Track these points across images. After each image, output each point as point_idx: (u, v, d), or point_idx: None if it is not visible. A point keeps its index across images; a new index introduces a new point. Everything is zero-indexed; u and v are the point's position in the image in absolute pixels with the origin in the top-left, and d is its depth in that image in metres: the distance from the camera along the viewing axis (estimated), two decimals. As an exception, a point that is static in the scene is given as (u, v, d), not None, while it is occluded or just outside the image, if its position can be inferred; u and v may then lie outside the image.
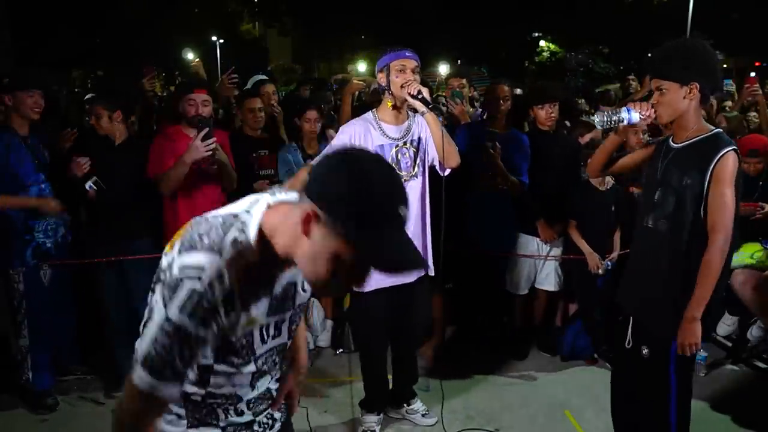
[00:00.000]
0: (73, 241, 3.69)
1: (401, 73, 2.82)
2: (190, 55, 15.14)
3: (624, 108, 2.47)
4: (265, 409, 1.59)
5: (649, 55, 2.52)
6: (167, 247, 1.29)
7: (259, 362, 1.47)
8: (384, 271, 1.22)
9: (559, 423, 3.45)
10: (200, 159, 3.38)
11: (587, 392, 3.65)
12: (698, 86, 2.31)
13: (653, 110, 2.40)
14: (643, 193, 2.61)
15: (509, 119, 4.12)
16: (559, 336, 4.23)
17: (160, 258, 1.28)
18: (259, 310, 1.35)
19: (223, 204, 1.58)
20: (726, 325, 4.35)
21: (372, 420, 3.30)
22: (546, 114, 4.02)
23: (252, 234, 1.26)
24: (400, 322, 3.18)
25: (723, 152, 2.27)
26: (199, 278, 1.21)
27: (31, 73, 3.60)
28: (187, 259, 1.22)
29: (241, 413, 1.52)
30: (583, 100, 5.30)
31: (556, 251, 4.18)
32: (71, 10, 15.94)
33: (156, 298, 1.25)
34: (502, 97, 3.98)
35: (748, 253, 3.89)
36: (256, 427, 1.58)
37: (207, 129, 3.31)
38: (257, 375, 1.49)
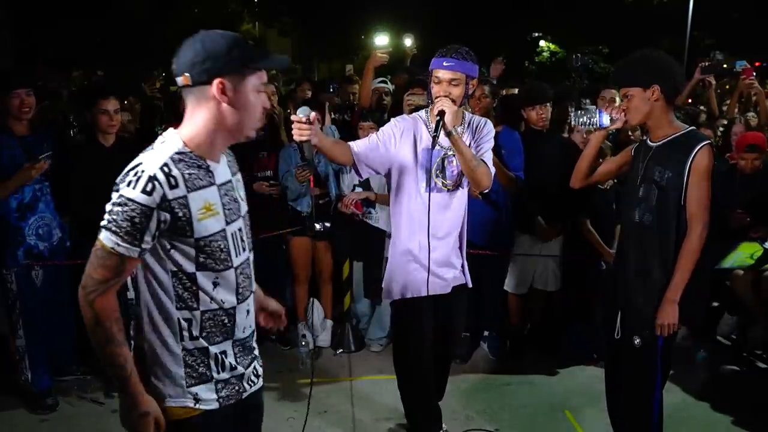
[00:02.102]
0: (73, 244, 3.69)
1: (437, 85, 2.62)
2: None
3: (597, 111, 2.70)
4: (251, 363, 1.79)
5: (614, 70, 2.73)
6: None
7: (237, 272, 1.68)
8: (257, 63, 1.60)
9: (559, 423, 3.45)
10: None
11: (587, 392, 3.66)
12: (659, 88, 2.50)
13: (623, 113, 2.62)
14: (627, 190, 2.78)
15: (499, 117, 4.14)
16: (559, 336, 4.23)
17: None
18: (210, 197, 1.61)
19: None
20: (726, 325, 4.36)
21: None
22: (537, 115, 4.04)
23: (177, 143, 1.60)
24: (440, 335, 2.98)
25: (700, 146, 2.47)
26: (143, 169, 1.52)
27: (11, 73, 3.57)
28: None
29: (232, 368, 1.71)
30: (588, 101, 5.31)
31: (555, 250, 4.18)
32: (71, 9, 15.92)
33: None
34: (478, 96, 3.98)
35: (748, 253, 3.90)
36: (246, 384, 1.77)
37: None
38: (240, 296, 1.70)
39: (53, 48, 15.20)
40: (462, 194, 2.83)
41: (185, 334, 1.64)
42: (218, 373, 1.69)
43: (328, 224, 4.11)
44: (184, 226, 1.55)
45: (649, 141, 2.65)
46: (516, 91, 5.54)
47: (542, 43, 28.71)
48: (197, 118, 1.61)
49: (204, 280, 1.62)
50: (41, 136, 3.49)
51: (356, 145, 2.70)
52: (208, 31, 1.61)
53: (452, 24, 22.08)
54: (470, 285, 3.00)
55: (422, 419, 3.10)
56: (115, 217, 1.49)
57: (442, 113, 2.52)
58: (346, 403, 3.56)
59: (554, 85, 4.92)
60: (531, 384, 3.87)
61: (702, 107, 5.95)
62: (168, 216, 1.52)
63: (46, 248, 3.49)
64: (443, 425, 3.23)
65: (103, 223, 1.52)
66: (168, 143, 1.59)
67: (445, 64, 2.60)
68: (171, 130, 1.64)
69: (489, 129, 2.80)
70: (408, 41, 7.48)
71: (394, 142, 2.72)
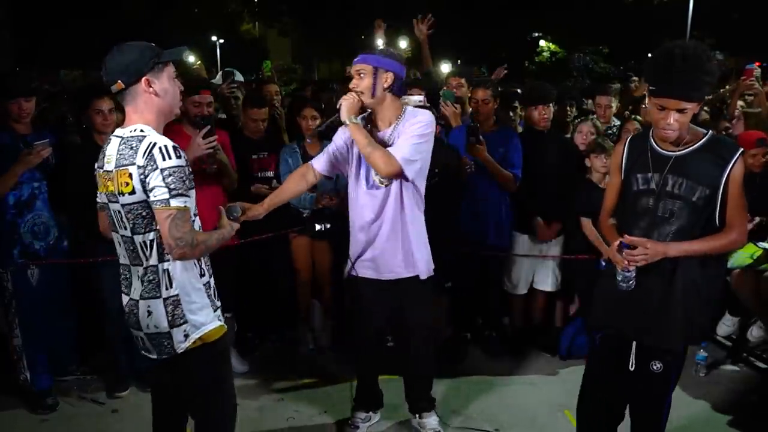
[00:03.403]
0: (72, 244, 3.69)
1: (351, 82, 2.84)
2: (191, 58, 15.13)
3: (622, 275, 2.33)
4: None
5: (676, 78, 2.17)
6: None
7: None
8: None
9: (559, 423, 3.45)
10: (201, 157, 3.38)
11: (587, 392, 3.65)
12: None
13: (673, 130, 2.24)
14: (636, 208, 2.41)
15: (499, 118, 4.16)
16: (558, 336, 4.23)
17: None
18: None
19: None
20: (726, 325, 4.35)
21: (358, 417, 3.34)
22: (539, 115, 4.04)
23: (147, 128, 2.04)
24: (398, 325, 3.20)
25: (737, 156, 2.25)
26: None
27: (10, 81, 3.57)
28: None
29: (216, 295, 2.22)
30: (590, 101, 5.32)
31: (555, 251, 4.18)
32: (71, 10, 15.95)
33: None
34: (480, 100, 4.00)
35: (747, 254, 3.90)
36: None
37: (208, 127, 3.32)
38: None
39: (53, 48, 15.21)
40: (391, 191, 2.89)
41: (202, 271, 2.13)
42: (218, 299, 2.20)
43: (328, 225, 4.10)
44: (191, 179, 2.01)
45: (660, 149, 2.34)
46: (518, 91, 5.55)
47: (542, 43, 28.71)
48: (142, 111, 2.05)
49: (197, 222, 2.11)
50: (42, 135, 3.48)
51: (317, 164, 3.03)
52: (120, 44, 2.04)
53: (453, 24, 22.09)
54: (423, 277, 3.02)
55: (360, 393, 3.35)
56: (174, 185, 1.93)
57: (339, 106, 2.77)
58: (346, 403, 3.56)
59: (555, 85, 4.92)
60: (531, 384, 3.86)
61: (705, 107, 5.93)
62: (188, 170, 2.00)
63: (42, 248, 3.48)
64: (436, 424, 3.27)
65: (164, 196, 1.92)
66: (147, 130, 2.02)
67: (355, 60, 2.82)
68: (128, 127, 2.05)
69: (418, 120, 2.82)
70: (403, 44, 7.48)
71: (345, 147, 2.96)
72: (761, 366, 4.11)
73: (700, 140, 2.29)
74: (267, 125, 4.21)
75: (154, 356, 2.15)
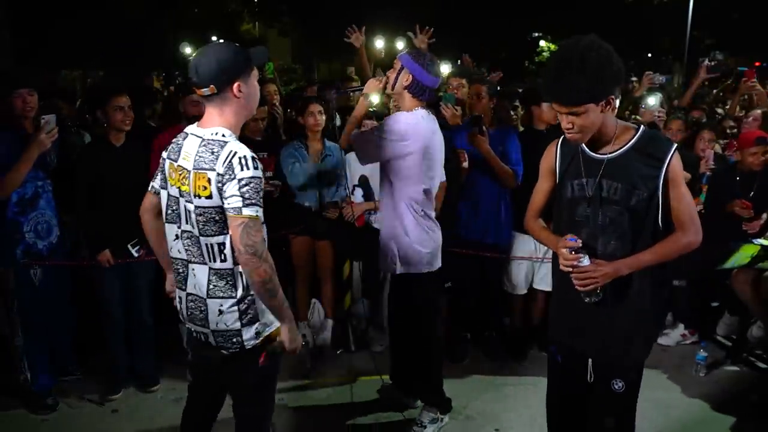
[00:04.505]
0: (72, 244, 3.68)
1: None
2: (188, 50, 15.19)
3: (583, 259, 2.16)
4: None
5: (548, 80, 2.07)
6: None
7: None
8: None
9: (559, 423, 3.44)
10: None
11: (587, 392, 3.65)
12: (614, 96, 2.07)
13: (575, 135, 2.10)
14: (572, 214, 2.25)
15: (500, 117, 4.18)
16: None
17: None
18: None
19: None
20: (726, 325, 4.36)
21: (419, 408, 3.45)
22: (542, 114, 4.04)
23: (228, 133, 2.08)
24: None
25: (673, 150, 2.10)
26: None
27: (11, 75, 3.54)
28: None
29: None
30: None
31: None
32: (71, 10, 15.92)
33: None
34: (474, 95, 4.05)
35: (747, 254, 3.91)
36: None
37: None
38: None
39: (53, 48, 15.18)
40: (389, 187, 3.09)
41: None
42: None
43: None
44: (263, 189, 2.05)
45: (591, 152, 2.19)
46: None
47: (542, 43, 28.67)
48: (227, 114, 2.07)
49: None
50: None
51: None
52: (211, 45, 2.06)
53: (453, 24, 22.09)
54: (385, 271, 3.33)
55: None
56: (249, 194, 1.96)
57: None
58: (346, 403, 3.56)
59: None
60: (531, 384, 3.86)
61: (704, 106, 5.95)
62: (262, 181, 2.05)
63: (45, 247, 3.47)
64: (426, 417, 3.30)
65: (237, 204, 1.95)
66: (229, 136, 2.05)
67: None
68: (209, 128, 2.07)
69: (387, 118, 3.04)
70: (400, 44, 7.47)
71: None
72: (761, 366, 4.11)
73: (632, 139, 2.14)
74: (266, 125, 4.21)
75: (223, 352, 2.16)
